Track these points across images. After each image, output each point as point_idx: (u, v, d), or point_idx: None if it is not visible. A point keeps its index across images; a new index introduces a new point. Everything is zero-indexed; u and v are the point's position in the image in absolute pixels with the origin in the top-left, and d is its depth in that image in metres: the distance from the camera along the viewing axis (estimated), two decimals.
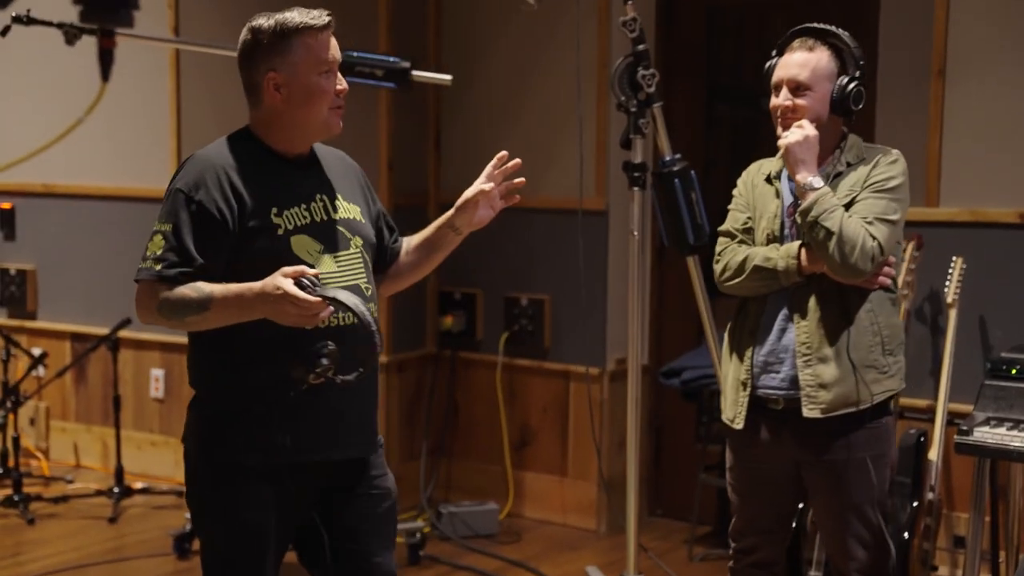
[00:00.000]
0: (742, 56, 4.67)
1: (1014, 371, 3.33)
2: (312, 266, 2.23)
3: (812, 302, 2.73)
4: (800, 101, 2.73)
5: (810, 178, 2.67)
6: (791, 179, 2.75)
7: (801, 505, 3.25)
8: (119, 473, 4.80)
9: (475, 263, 4.68)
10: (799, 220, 2.69)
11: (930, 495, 3.45)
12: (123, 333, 4.84)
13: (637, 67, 3.29)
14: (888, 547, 2.85)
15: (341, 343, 2.22)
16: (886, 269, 2.73)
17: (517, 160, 2.44)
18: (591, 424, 4.27)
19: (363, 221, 2.41)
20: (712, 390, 4.05)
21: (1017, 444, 3.17)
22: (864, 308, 2.73)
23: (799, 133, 2.69)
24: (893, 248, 2.74)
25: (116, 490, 4.77)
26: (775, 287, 2.76)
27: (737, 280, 2.80)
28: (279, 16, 2.27)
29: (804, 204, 2.67)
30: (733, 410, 2.82)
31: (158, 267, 2.23)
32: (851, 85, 2.72)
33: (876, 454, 2.77)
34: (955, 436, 3.23)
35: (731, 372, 2.85)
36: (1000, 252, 3.75)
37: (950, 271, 3.66)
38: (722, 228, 2.92)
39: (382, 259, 2.51)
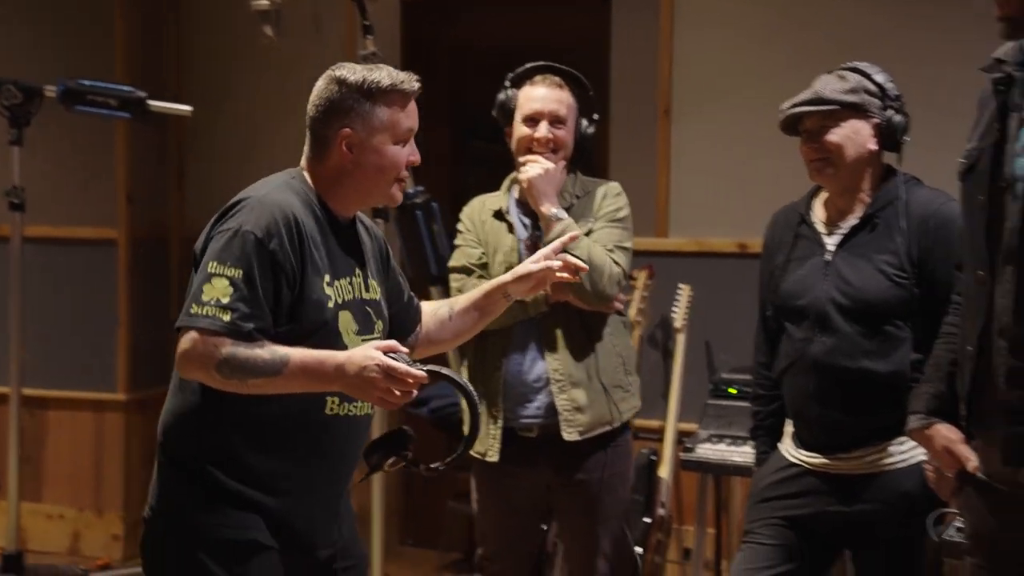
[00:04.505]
0: (491, 95, 4.80)
1: (732, 391, 3.58)
2: (347, 346, 2.05)
3: (559, 331, 2.83)
4: (558, 133, 2.84)
5: (554, 209, 2.78)
6: (526, 210, 2.85)
7: (544, 527, 3.36)
8: None
9: None
10: None
11: (661, 511, 3.64)
12: None
13: None
14: (634, 560, 2.98)
15: (354, 432, 2.13)
16: (620, 295, 2.88)
17: (576, 232, 2.46)
18: None
19: (383, 304, 2.24)
20: (459, 418, 4.12)
21: (736, 459, 3.40)
22: (606, 332, 2.86)
23: (538, 167, 2.79)
24: (629, 273, 2.90)
25: None
26: (521, 317, 2.82)
27: None
28: (367, 73, 2.09)
29: (551, 234, 2.75)
30: (485, 444, 2.87)
31: (227, 317, 1.94)
32: (591, 127, 2.89)
33: (623, 470, 2.92)
34: (680, 453, 3.43)
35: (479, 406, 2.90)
36: (723, 279, 4.00)
37: (678, 298, 3.89)
38: (455, 264, 2.95)
39: (403, 325, 2.33)
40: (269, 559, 2.07)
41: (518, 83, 2.93)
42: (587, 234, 2.82)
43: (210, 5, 4.69)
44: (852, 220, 2.53)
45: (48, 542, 4.56)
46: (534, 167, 2.80)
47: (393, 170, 2.12)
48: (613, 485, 2.88)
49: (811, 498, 2.51)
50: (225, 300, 1.95)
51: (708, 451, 3.46)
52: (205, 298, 1.96)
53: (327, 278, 2.07)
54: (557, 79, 2.89)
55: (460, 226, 2.99)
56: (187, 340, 1.97)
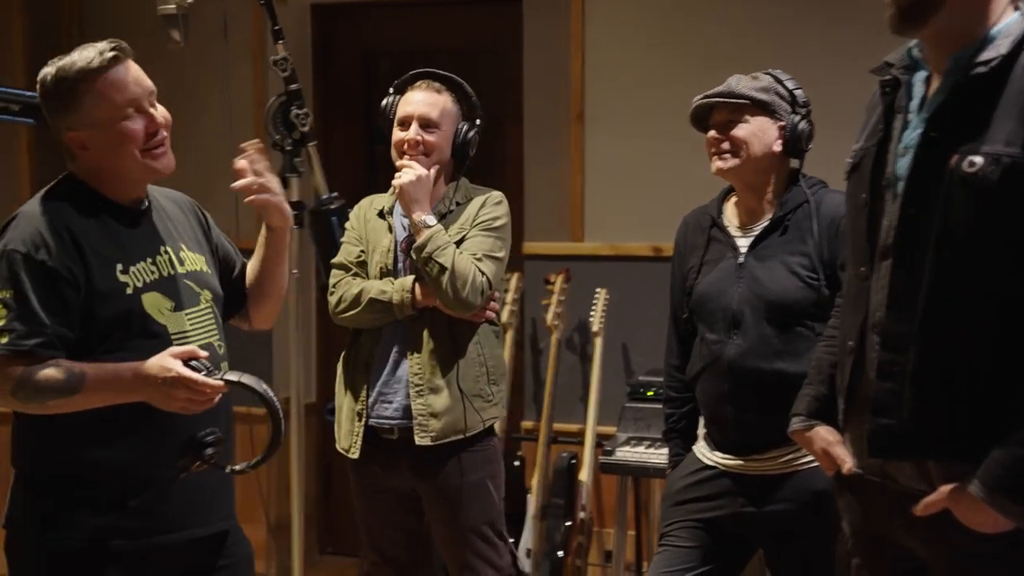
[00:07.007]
0: None
1: (650, 393, 3.60)
2: (164, 326, 2.08)
3: (425, 335, 2.83)
4: (428, 137, 2.84)
5: (424, 216, 2.78)
6: (405, 216, 2.85)
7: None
8: None
9: None
10: (414, 256, 2.79)
11: (582, 514, 3.65)
12: None
13: (290, 106, 3.29)
14: (516, 563, 2.98)
15: (202, 415, 2.08)
16: (492, 304, 2.88)
17: (254, 143, 2.30)
18: None
19: (209, 272, 2.24)
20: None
21: (655, 461, 3.42)
22: (472, 341, 2.86)
23: (411, 174, 2.79)
24: (499, 283, 2.90)
25: None
26: (389, 320, 2.83)
27: (353, 312, 2.85)
28: (60, 63, 2.04)
29: (419, 241, 2.77)
30: (348, 440, 2.88)
31: (4, 339, 1.98)
32: (471, 132, 2.88)
33: (490, 474, 2.90)
34: (600, 456, 3.44)
35: (346, 403, 2.91)
36: (638, 282, 4.03)
37: (595, 302, 3.91)
38: (336, 261, 2.97)
39: (239, 295, 2.35)
40: (119, 562, 2.07)
41: (401, 89, 2.93)
42: (459, 242, 2.82)
43: (114, 8, 4.59)
44: (763, 222, 2.56)
45: None
46: (408, 173, 2.81)
47: (134, 144, 2.07)
48: (480, 491, 2.87)
49: (726, 499, 2.54)
50: (1, 324, 1.98)
51: (627, 454, 3.48)
52: None
53: (119, 267, 2.06)
54: (436, 84, 2.90)
55: (348, 224, 3.00)
56: None
